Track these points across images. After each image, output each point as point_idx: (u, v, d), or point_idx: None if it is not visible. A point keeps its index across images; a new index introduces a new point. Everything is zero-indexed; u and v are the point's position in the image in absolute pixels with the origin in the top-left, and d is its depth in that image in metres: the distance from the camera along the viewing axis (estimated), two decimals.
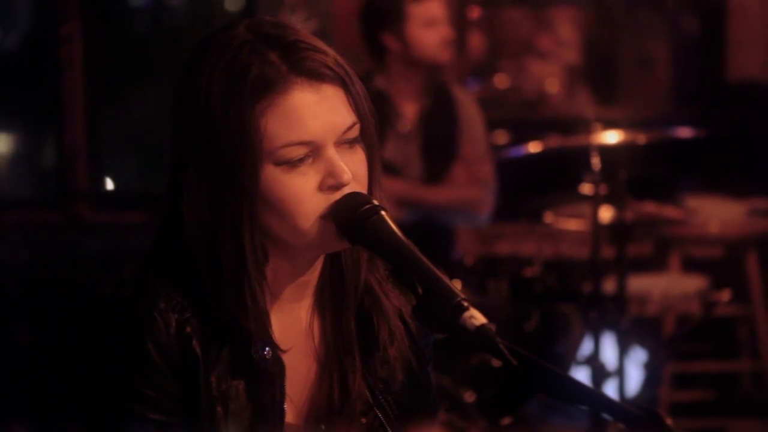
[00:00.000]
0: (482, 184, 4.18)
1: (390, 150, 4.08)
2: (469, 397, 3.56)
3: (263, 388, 1.58)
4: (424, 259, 1.50)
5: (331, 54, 1.58)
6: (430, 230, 4.11)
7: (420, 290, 1.48)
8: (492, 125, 4.56)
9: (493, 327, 1.44)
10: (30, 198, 5.38)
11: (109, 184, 5.44)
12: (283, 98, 1.53)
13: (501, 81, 5.95)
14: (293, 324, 1.64)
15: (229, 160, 1.53)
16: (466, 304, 1.44)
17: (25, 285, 4.81)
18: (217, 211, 1.55)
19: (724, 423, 4.98)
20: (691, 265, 5.03)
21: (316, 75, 1.55)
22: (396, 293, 1.68)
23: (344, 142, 1.57)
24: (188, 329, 1.55)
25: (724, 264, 5.08)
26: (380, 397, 1.66)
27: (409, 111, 4.15)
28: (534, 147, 3.96)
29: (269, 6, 5.08)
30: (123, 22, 5.70)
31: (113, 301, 1.58)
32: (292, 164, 1.54)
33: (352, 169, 1.56)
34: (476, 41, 5.89)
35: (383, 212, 1.54)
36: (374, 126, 1.62)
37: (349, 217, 1.54)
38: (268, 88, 1.53)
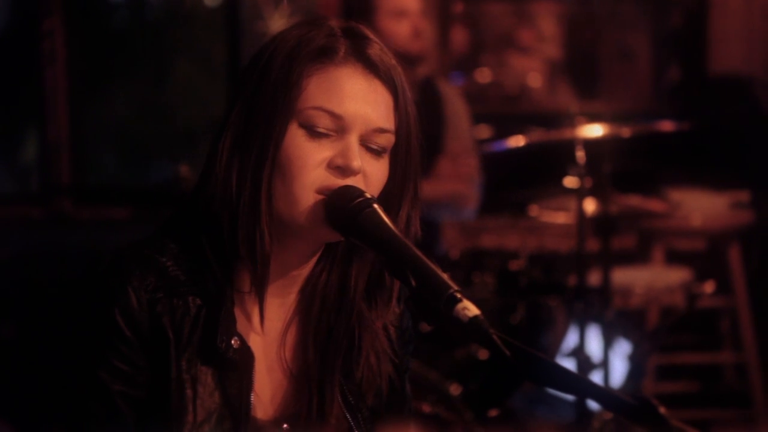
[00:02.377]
0: (468, 178, 4.19)
1: None
2: (455, 389, 3.57)
3: (231, 377, 1.59)
4: (417, 252, 1.51)
5: (393, 62, 1.63)
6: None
7: (413, 282, 1.49)
8: (474, 119, 4.57)
9: (485, 318, 1.45)
10: (12, 193, 5.37)
11: (93, 179, 5.42)
12: (335, 70, 1.59)
13: (483, 75, 5.96)
14: (272, 317, 1.65)
15: (268, 105, 1.58)
16: (459, 295, 1.45)
17: (8, 281, 4.80)
18: (245, 153, 1.58)
19: (708, 414, 5.01)
20: (674, 258, 5.05)
21: (372, 66, 1.60)
22: (381, 307, 1.69)
23: (372, 144, 1.60)
24: (158, 308, 1.57)
25: (707, 256, 5.11)
26: (351, 400, 1.67)
27: None
28: (518, 141, 3.96)
29: (252, 2, 5.08)
30: (104, 17, 5.69)
31: (87, 275, 1.60)
32: (315, 132, 1.57)
33: (368, 169, 1.59)
34: (459, 36, 5.90)
35: (376, 205, 1.55)
36: (413, 154, 1.64)
37: (343, 208, 1.55)
38: (326, 56, 1.59)
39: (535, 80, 6.00)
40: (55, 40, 5.12)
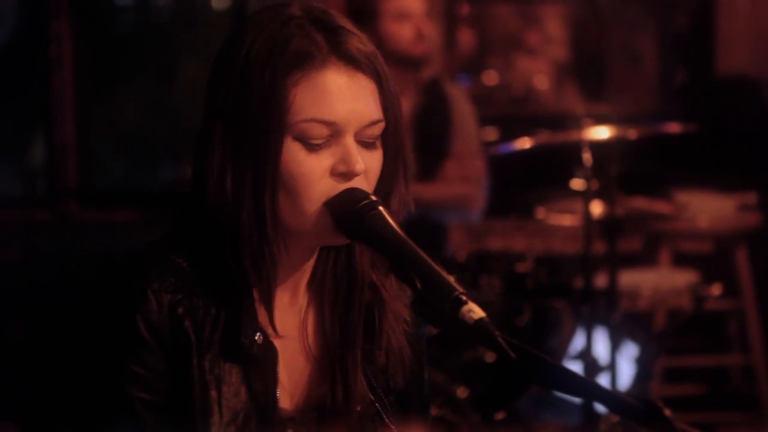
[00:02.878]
0: (474, 180, 4.19)
1: None
2: (461, 392, 3.57)
3: (255, 373, 1.58)
4: (423, 254, 1.51)
5: (371, 47, 1.60)
6: (423, 226, 4.12)
7: (418, 285, 1.48)
8: (481, 122, 4.56)
9: (490, 320, 1.45)
10: (20, 196, 5.38)
11: (99, 182, 5.43)
12: (318, 74, 1.55)
13: (490, 78, 5.96)
14: (287, 313, 1.65)
15: (256, 124, 1.54)
16: (464, 298, 1.44)
17: (16, 283, 4.80)
18: (240, 172, 1.55)
19: (715, 417, 4.99)
20: (681, 260, 5.04)
21: (353, 61, 1.57)
22: (395, 288, 1.68)
23: (365, 137, 1.58)
24: (180, 310, 1.56)
25: (714, 258, 5.10)
26: (376, 386, 1.67)
27: None
28: (524, 143, 3.96)
29: (258, 5, 5.08)
30: (111, 20, 5.70)
31: (106, 280, 1.59)
32: (311, 144, 1.55)
33: (367, 164, 1.57)
34: (465, 38, 5.90)
35: (381, 207, 1.55)
36: (401, 132, 1.63)
37: (348, 212, 1.55)
38: (306, 61, 1.55)
39: (541, 82, 6.00)
40: (62, 43, 5.13)
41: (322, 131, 1.55)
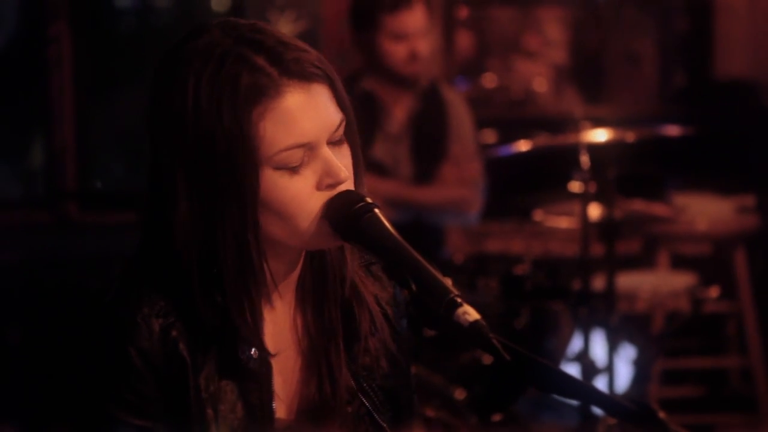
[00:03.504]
0: (471, 183, 4.19)
1: (379, 150, 4.10)
2: (459, 394, 3.57)
3: (251, 387, 1.58)
4: (417, 256, 1.51)
5: (312, 52, 1.59)
6: (421, 229, 4.12)
7: (414, 287, 1.49)
8: (480, 124, 4.57)
9: (485, 323, 1.45)
10: (18, 198, 5.38)
11: (98, 184, 5.43)
12: (278, 102, 1.53)
13: (489, 80, 5.96)
14: (278, 320, 1.65)
15: (227, 168, 1.53)
16: (459, 300, 1.45)
17: (15, 285, 4.81)
18: (215, 221, 1.54)
19: (713, 419, 5.00)
20: (679, 263, 5.05)
21: (304, 76, 1.55)
22: (371, 281, 1.70)
23: (334, 140, 1.58)
24: (174, 333, 1.55)
25: (712, 261, 5.10)
26: (365, 385, 1.67)
27: (398, 111, 4.17)
28: (523, 146, 3.97)
29: (257, 7, 5.08)
30: (111, 22, 5.70)
31: (96, 307, 1.58)
32: (291, 168, 1.54)
33: (343, 162, 1.57)
34: (464, 40, 5.90)
35: (376, 210, 1.55)
36: (354, 120, 1.63)
37: (343, 215, 1.55)
38: (262, 94, 1.53)
39: (540, 85, 6.00)
40: (62, 45, 5.13)
41: (299, 154, 1.54)
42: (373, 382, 1.68)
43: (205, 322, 1.56)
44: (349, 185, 1.57)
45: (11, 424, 4.52)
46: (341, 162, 1.57)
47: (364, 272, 1.70)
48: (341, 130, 1.59)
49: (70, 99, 5.15)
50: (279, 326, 1.65)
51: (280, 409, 1.63)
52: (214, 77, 1.53)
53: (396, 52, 4.04)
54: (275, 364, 1.61)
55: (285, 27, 4.86)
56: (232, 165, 1.52)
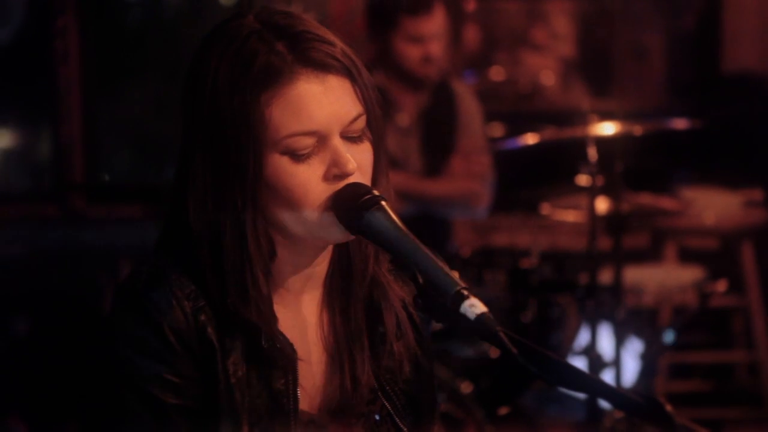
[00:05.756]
0: (480, 177, 4.19)
1: (389, 144, 4.09)
2: (466, 387, 3.57)
3: (277, 375, 1.59)
4: (425, 249, 1.51)
5: (338, 45, 1.59)
6: (429, 223, 4.13)
7: (420, 280, 1.49)
8: (487, 118, 4.56)
9: (492, 316, 1.45)
10: (26, 191, 5.38)
11: (106, 177, 5.44)
12: (289, 88, 1.54)
13: (496, 73, 5.95)
14: (302, 316, 1.66)
15: (232, 148, 1.54)
16: (466, 293, 1.45)
17: (22, 278, 4.81)
18: (220, 199, 1.56)
19: (720, 413, 5.00)
20: (687, 256, 5.04)
21: (321, 66, 1.56)
22: (399, 284, 1.70)
23: (350, 133, 1.58)
24: (203, 317, 1.57)
25: (719, 255, 5.09)
26: (387, 387, 1.67)
27: (408, 105, 4.17)
28: (530, 139, 3.96)
29: (265, 0, 5.08)
30: (118, 15, 5.70)
31: (128, 291, 1.58)
32: (299, 155, 1.55)
33: (357, 160, 1.57)
34: (472, 34, 5.90)
35: (384, 202, 1.55)
36: (381, 117, 1.63)
37: (350, 207, 1.55)
38: (274, 77, 1.54)
39: (548, 78, 5.99)
40: (69, 38, 5.13)
41: (307, 141, 1.55)
42: (395, 386, 1.68)
43: (229, 308, 1.57)
44: (357, 178, 1.57)
45: (19, 417, 4.53)
46: (355, 157, 1.57)
47: (392, 275, 1.70)
48: (358, 125, 1.58)
49: (77, 92, 5.15)
50: (304, 321, 1.66)
51: (304, 400, 1.63)
52: (234, 56, 1.55)
53: (411, 54, 4.06)
54: (302, 355, 1.62)
55: None
56: (236, 145, 1.54)
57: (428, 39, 4.06)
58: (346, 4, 4.88)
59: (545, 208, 4.47)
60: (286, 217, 1.57)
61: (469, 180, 4.19)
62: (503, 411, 3.55)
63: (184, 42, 5.63)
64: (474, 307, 1.44)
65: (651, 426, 1.38)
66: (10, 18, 5.46)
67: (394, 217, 1.54)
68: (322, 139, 1.56)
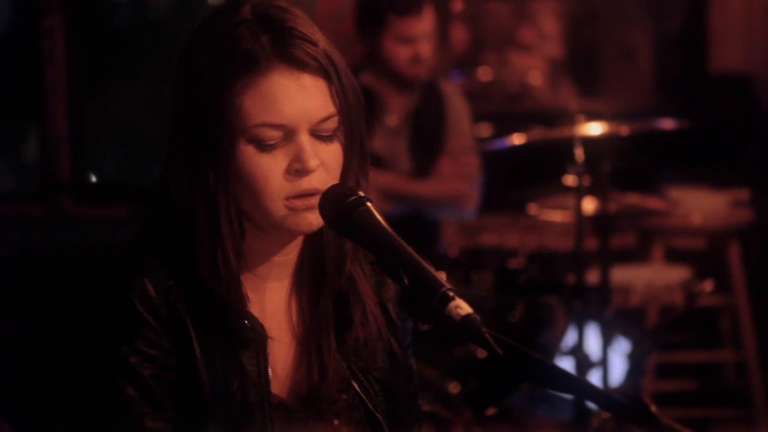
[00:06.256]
0: (468, 177, 4.20)
1: (378, 144, 4.11)
2: (453, 388, 3.57)
3: (248, 355, 1.62)
4: (410, 250, 1.52)
5: (321, 45, 1.62)
6: (417, 223, 4.13)
7: (406, 281, 1.49)
8: (475, 118, 4.57)
9: (478, 317, 1.45)
10: (13, 192, 5.37)
11: (93, 178, 5.43)
12: (263, 80, 1.58)
13: (484, 74, 5.96)
14: (270, 302, 1.68)
15: (207, 129, 1.59)
16: (451, 294, 1.46)
17: (9, 279, 4.80)
18: (195, 178, 1.60)
19: (707, 413, 5.00)
20: (674, 256, 5.05)
21: (299, 63, 1.59)
22: (375, 278, 1.72)
23: (321, 132, 1.61)
24: (174, 294, 1.60)
25: (706, 255, 5.10)
26: (360, 375, 1.70)
27: (396, 106, 4.18)
28: (517, 139, 3.97)
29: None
30: (105, 15, 5.69)
31: (102, 268, 1.63)
32: (264, 145, 1.59)
33: (323, 159, 1.60)
34: (459, 34, 5.90)
35: (369, 203, 1.56)
36: (360, 119, 1.65)
37: (335, 208, 1.57)
38: (251, 67, 1.58)
39: (535, 78, 6.00)
40: (55, 38, 5.12)
41: (273, 133, 1.59)
42: (368, 374, 1.70)
43: (202, 288, 1.60)
44: (320, 176, 1.59)
45: (6, 420, 4.52)
46: (322, 155, 1.59)
47: (369, 269, 1.72)
48: (329, 125, 1.61)
49: (64, 92, 5.13)
50: (273, 307, 1.68)
51: (275, 384, 1.66)
52: (219, 42, 1.60)
53: (400, 54, 4.07)
54: (270, 341, 1.64)
55: None
56: (211, 127, 1.58)
57: (418, 39, 4.07)
58: (334, 4, 4.88)
59: (533, 209, 4.47)
60: (249, 205, 1.61)
61: (457, 181, 4.20)
62: (491, 411, 3.55)
63: (171, 42, 5.62)
64: (459, 308, 1.44)
65: (635, 426, 1.38)
66: None
67: (379, 218, 1.55)
68: (289, 133, 1.59)
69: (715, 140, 5.33)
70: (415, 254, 1.51)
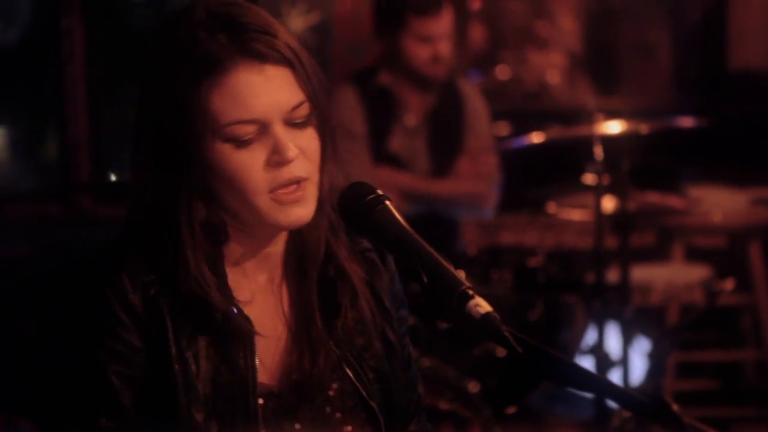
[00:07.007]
0: (487, 177, 4.19)
1: (397, 144, 4.11)
2: (473, 387, 3.56)
3: (235, 348, 1.63)
4: (429, 248, 1.52)
5: (280, 36, 1.62)
6: (436, 222, 4.13)
7: (425, 279, 1.49)
8: (494, 116, 4.56)
9: (497, 315, 1.45)
10: (32, 191, 5.38)
11: (112, 177, 5.44)
12: (228, 77, 1.58)
13: (502, 72, 5.95)
14: (260, 294, 1.69)
15: (170, 134, 1.59)
16: (471, 292, 1.46)
17: (27, 278, 4.81)
18: (158, 183, 1.61)
19: (728, 412, 4.98)
20: (694, 255, 5.03)
21: (261, 56, 1.59)
22: (365, 267, 1.73)
23: (294, 120, 1.61)
24: (152, 291, 1.61)
25: (727, 253, 5.08)
26: (354, 363, 1.70)
27: (415, 105, 4.17)
28: (536, 138, 3.96)
29: (270, 0, 5.08)
30: (124, 15, 5.71)
31: (81, 266, 1.65)
32: (240, 142, 1.59)
33: (301, 146, 1.60)
34: (477, 32, 5.89)
35: (387, 202, 1.56)
36: (325, 108, 1.65)
37: (354, 207, 1.56)
38: (214, 67, 1.58)
39: (554, 76, 5.99)
40: (74, 38, 5.14)
41: (248, 129, 1.59)
42: (363, 362, 1.71)
43: (178, 284, 1.61)
44: (301, 164, 1.60)
45: (25, 417, 4.53)
46: (299, 143, 1.60)
47: (358, 258, 1.72)
48: (301, 112, 1.61)
49: (83, 92, 5.15)
50: (262, 299, 1.69)
51: (264, 374, 1.66)
52: (178, 44, 1.60)
53: (419, 53, 4.06)
54: (261, 332, 1.65)
55: (296, 19, 4.86)
56: (174, 131, 1.59)
57: (437, 39, 4.06)
58: (352, 4, 4.87)
59: (552, 207, 4.47)
60: (233, 203, 1.61)
61: (475, 180, 4.19)
62: (511, 410, 3.55)
63: None
64: (479, 306, 1.44)
65: (657, 425, 1.38)
66: (16, 19, 5.46)
67: (397, 216, 1.55)
68: (263, 126, 1.59)
69: (735, 138, 5.31)
70: (434, 252, 1.51)
